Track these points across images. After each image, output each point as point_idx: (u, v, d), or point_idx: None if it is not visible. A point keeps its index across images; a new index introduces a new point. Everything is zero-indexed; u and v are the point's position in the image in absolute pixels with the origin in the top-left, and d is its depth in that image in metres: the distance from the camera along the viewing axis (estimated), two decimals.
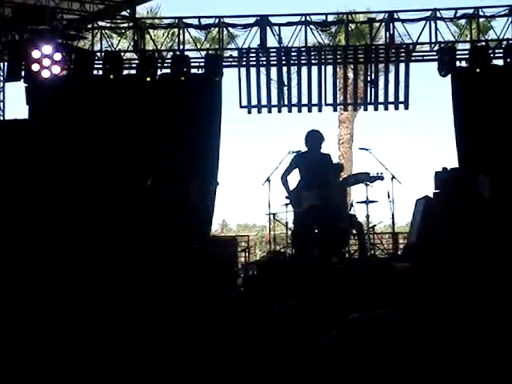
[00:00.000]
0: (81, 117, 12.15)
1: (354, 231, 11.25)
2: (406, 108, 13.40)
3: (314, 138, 9.91)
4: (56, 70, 12.72)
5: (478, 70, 12.92)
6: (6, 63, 13.45)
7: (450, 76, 13.14)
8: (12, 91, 14.54)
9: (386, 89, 13.34)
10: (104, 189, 11.26)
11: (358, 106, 14.50)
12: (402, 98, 13.29)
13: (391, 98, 13.34)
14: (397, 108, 13.41)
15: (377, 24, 13.76)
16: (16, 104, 14.59)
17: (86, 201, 11.79)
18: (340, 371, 1.19)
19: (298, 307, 3.00)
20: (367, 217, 11.28)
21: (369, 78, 13.48)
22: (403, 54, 13.27)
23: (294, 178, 10.16)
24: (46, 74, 12.60)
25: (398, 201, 11.79)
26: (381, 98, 13.43)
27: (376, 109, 13.57)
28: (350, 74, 13.78)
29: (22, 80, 12.99)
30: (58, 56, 12.61)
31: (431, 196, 10.66)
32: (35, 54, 12.44)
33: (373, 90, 13.45)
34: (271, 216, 12.02)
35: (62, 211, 11.77)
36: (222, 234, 13.47)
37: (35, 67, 12.54)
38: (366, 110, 13.95)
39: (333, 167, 10.45)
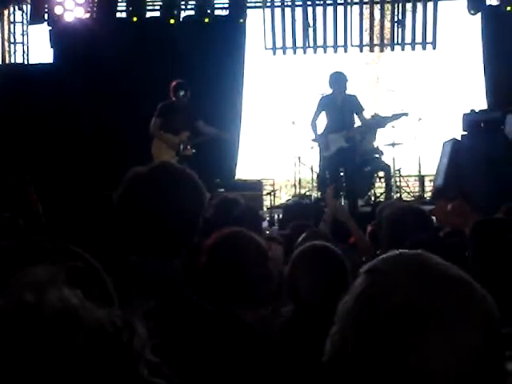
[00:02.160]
0: (105, 60, 12.08)
1: (381, 174, 11.21)
2: (434, 48, 13.17)
3: (338, 80, 9.79)
4: (79, 12, 12.64)
5: (508, 9, 12.62)
6: (29, 6, 13.38)
7: (479, 15, 12.83)
8: (36, 34, 14.46)
9: (414, 29, 13.09)
10: (130, 138, 11.25)
11: (385, 46, 14.25)
12: (429, 39, 13.05)
13: (419, 39, 13.11)
14: (424, 48, 13.18)
15: None
16: (40, 47, 14.57)
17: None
18: None
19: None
20: (393, 160, 11.21)
21: (396, 18, 13.24)
22: None
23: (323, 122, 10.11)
24: (69, 16, 12.53)
25: (424, 143, 11.71)
26: (408, 39, 13.21)
27: (403, 49, 13.37)
28: (377, 14, 13.51)
29: (46, 23, 12.94)
30: None
31: (459, 138, 10.54)
32: None
33: (400, 30, 13.22)
34: (297, 159, 12.00)
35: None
36: (246, 178, 13.45)
37: (58, 10, 12.47)
38: (392, 50, 13.75)
39: (360, 108, 10.32)
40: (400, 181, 12.03)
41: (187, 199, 2.12)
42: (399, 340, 1.00)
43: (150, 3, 13.50)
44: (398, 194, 11.55)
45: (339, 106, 9.74)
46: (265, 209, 11.65)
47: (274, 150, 17.21)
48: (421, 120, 11.20)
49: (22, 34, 14.26)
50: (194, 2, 13.21)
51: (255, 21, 13.59)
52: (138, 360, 0.61)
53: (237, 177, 13.01)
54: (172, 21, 12.91)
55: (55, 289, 0.62)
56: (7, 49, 14.41)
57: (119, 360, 0.59)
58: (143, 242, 2.06)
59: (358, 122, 10.04)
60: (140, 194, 2.11)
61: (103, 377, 0.57)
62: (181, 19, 13.13)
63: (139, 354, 0.61)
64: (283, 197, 15.96)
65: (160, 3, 13.38)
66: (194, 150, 9.76)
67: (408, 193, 12.28)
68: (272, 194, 12.62)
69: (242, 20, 13.05)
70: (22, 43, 14.29)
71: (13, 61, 14.25)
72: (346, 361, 1.05)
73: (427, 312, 1.01)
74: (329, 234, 4.12)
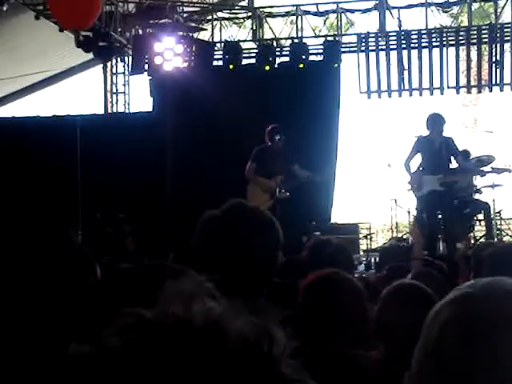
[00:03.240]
0: (203, 108, 12.37)
1: (481, 216, 10.94)
2: None
3: (435, 121, 9.68)
4: (178, 62, 13.01)
5: None
6: (130, 57, 13.89)
7: None
8: (137, 84, 14.99)
9: None
10: (219, 178, 11.44)
11: (482, 87, 14.01)
12: None
13: None
14: None
15: (502, 2, 13.25)
16: (141, 97, 15.07)
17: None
18: None
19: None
20: (493, 201, 10.93)
21: (493, 59, 13.03)
22: None
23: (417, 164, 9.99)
24: (168, 66, 12.92)
25: None
26: (507, 79, 12.97)
27: (502, 90, 13.12)
28: (473, 55, 13.34)
29: (146, 73, 13.39)
30: (179, 48, 12.89)
31: None
32: (158, 47, 12.77)
33: (498, 70, 12.99)
34: (393, 202, 11.87)
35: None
36: (343, 222, 13.38)
37: (158, 60, 12.87)
38: (490, 91, 13.51)
39: (457, 151, 10.16)
40: (501, 224, 11.70)
41: (262, 237, 2.15)
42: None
43: (246, 51, 13.80)
44: (499, 237, 11.22)
45: (436, 148, 9.60)
46: (361, 252, 11.54)
47: (371, 193, 17.07)
48: None
49: (124, 85, 14.82)
50: (288, 49, 13.40)
51: (350, 65, 13.66)
52: (279, 364, 0.63)
53: (333, 221, 12.96)
54: (267, 67, 13.11)
55: (200, 300, 0.64)
56: (109, 99, 14.99)
57: (261, 367, 0.61)
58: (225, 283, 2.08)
59: (454, 165, 9.88)
60: (214, 235, 2.15)
61: None
62: (276, 65, 13.33)
63: (279, 359, 0.63)
64: (380, 240, 15.78)
65: (256, 50, 13.65)
66: (288, 194, 9.82)
67: (510, 236, 11.91)
68: (369, 237, 12.50)
69: (336, 65, 13.13)
70: (124, 93, 14.84)
71: (115, 110, 14.80)
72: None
73: None
74: (439, 275, 4.03)
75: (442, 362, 1.07)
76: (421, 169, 9.85)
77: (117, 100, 14.89)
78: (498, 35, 12.92)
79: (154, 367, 0.59)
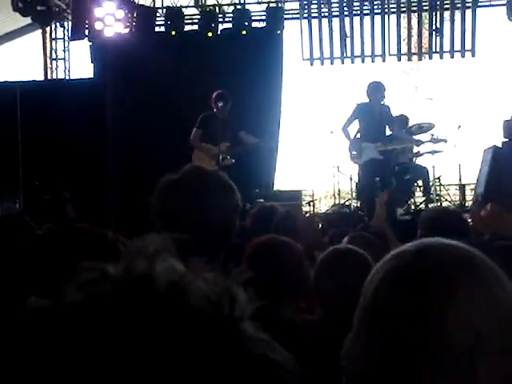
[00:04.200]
0: (144, 74, 12.23)
1: (421, 183, 11.14)
2: (473, 55, 13.09)
3: (376, 89, 9.78)
4: (119, 27, 12.82)
5: None
6: (70, 22, 13.61)
7: None
8: (77, 50, 14.71)
9: (452, 37, 13.02)
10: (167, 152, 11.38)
11: (423, 55, 14.18)
12: (468, 46, 12.97)
13: (457, 47, 13.03)
14: (463, 56, 13.11)
15: None
16: (81, 63, 14.80)
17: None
18: None
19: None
20: (433, 167, 11.14)
21: (434, 26, 13.18)
22: (470, 0, 12.89)
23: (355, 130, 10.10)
24: (109, 32, 12.71)
25: (465, 151, 11.61)
26: (446, 47, 13.14)
27: (441, 57, 13.30)
28: (414, 23, 13.47)
29: (86, 39, 13.15)
30: (120, 14, 12.69)
31: (499, 145, 10.44)
32: (98, 12, 12.54)
33: (438, 38, 13.15)
34: (336, 169, 11.97)
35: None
36: (285, 189, 13.45)
37: (98, 25, 12.66)
38: (430, 58, 13.68)
39: (395, 119, 10.31)
40: (440, 189, 11.92)
41: (220, 200, 2.17)
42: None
43: (189, 17, 13.65)
44: (438, 203, 11.44)
45: (376, 115, 9.72)
46: None
47: (313, 160, 17.18)
48: (460, 128, 11.11)
49: (64, 50, 14.52)
50: (231, 15, 13.32)
51: (292, 32, 13.65)
52: (241, 324, 0.63)
53: (276, 188, 13.03)
54: (210, 34, 13.02)
55: (164, 258, 0.64)
56: (49, 65, 14.69)
57: (223, 327, 0.61)
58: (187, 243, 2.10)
59: (393, 132, 10.05)
60: (173, 198, 2.16)
61: (207, 348, 0.60)
62: (218, 32, 13.24)
63: (241, 319, 0.64)
64: (322, 207, 15.94)
65: (198, 17, 13.52)
66: (233, 160, 9.81)
67: (449, 201, 12.16)
68: (311, 204, 12.60)
69: (279, 31, 13.12)
70: (64, 59, 14.55)
71: (55, 76, 14.51)
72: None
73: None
74: (374, 238, 4.09)
75: (377, 316, 1.10)
76: (358, 135, 9.98)
77: (57, 66, 14.58)
78: (438, 3, 13.06)
79: (116, 323, 0.60)
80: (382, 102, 9.83)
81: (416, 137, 11.15)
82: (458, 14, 13.05)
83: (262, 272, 2.66)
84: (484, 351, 1.05)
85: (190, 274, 0.64)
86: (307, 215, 8.73)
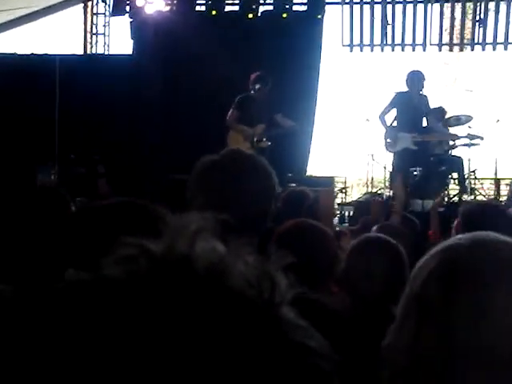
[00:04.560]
0: (183, 53, 12.25)
1: (456, 175, 11.04)
2: None
3: (415, 79, 9.70)
4: (160, 5, 12.85)
5: None
6: None
7: None
8: (117, 26, 14.75)
9: (496, 28, 12.82)
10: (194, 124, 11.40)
11: (465, 46, 13.99)
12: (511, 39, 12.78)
13: (500, 39, 12.84)
14: (506, 49, 12.92)
15: None
16: (121, 39, 14.85)
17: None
18: None
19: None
20: (469, 160, 11.02)
21: (477, 17, 12.99)
22: None
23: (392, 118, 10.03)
24: (150, 9, 12.74)
25: (502, 145, 11.46)
26: (489, 38, 12.96)
27: (483, 49, 13.12)
28: (458, 13, 13.29)
29: (127, 15, 13.19)
30: None
31: None
32: None
33: (481, 29, 12.97)
34: (370, 157, 11.91)
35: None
36: (319, 175, 13.41)
37: (140, 2, 12.69)
38: (472, 50, 13.50)
39: (432, 110, 10.21)
40: (475, 183, 11.79)
41: (257, 184, 2.16)
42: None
43: None
44: (473, 197, 11.32)
45: (414, 105, 9.64)
46: (336, 206, 11.59)
47: (347, 147, 17.10)
48: (499, 121, 10.97)
49: (104, 26, 14.59)
50: None
51: (333, 17, 13.54)
52: (280, 309, 0.63)
53: (308, 173, 13.00)
54: (250, 15, 12.97)
55: (205, 238, 0.63)
56: (89, 40, 14.76)
57: (262, 311, 0.60)
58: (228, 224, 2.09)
59: (430, 123, 9.98)
60: (211, 180, 2.16)
61: (245, 332, 0.59)
62: (259, 14, 13.18)
63: (281, 304, 0.63)
64: (355, 195, 15.86)
65: None
66: (269, 143, 9.78)
67: (483, 195, 12.02)
68: (344, 191, 12.56)
69: (319, 16, 13.01)
70: (104, 34, 14.62)
71: (94, 51, 14.59)
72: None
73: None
74: (401, 226, 4.07)
75: (425, 305, 1.09)
76: (394, 124, 9.92)
77: (97, 41, 14.66)
78: None
79: (154, 302, 0.59)
80: (421, 92, 9.74)
81: (453, 129, 11.03)
82: (503, 5, 12.84)
83: (292, 253, 2.65)
84: None
85: (230, 255, 0.63)
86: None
